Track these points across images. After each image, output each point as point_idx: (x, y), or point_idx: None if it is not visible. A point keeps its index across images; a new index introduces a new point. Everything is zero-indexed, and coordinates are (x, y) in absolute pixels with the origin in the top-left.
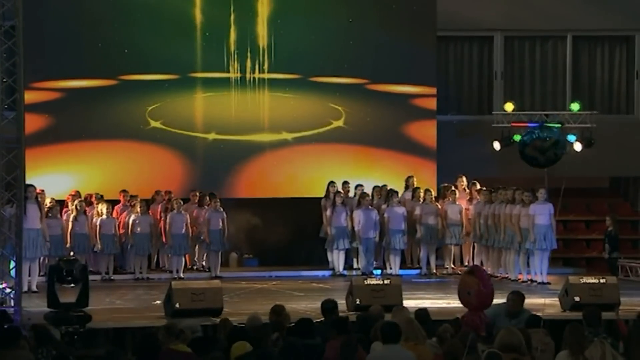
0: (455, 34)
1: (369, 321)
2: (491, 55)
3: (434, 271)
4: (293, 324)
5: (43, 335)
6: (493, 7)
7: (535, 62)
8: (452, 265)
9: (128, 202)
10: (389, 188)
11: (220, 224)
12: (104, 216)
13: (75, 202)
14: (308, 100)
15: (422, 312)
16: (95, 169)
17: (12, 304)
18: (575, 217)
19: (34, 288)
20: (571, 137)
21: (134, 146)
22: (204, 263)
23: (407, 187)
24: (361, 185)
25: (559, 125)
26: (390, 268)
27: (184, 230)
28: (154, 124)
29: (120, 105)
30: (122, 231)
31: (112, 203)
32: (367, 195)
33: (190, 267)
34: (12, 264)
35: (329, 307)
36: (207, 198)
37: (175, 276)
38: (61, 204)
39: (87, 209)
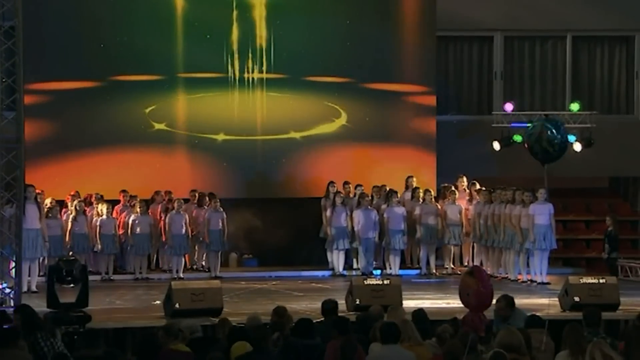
0: (455, 34)
1: (368, 321)
2: (491, 55)
3: (434, 271)
4: (293, 324)
5: (29, 318)
6: (493, 7)
7: (535, 62)
8: (452, 266)
9: (128, 202)
10: (388, 188)
11: (220, 224)
12: (104, 216)
13: (75, 202)
14: (308, 100)
15: (419, 313)
16: (93, 170)
17: (12, 304)
18: (575, 217)
19: (34, 288)
20: (571, 137)
21: (140, 149)
22: (203, 263)
23: (406, 187)
24: (361, 186)
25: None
26: (390, 268)
27: (183, 231)
28: (158, 126)
29: (121, 106)
30: (121, 231)
31: (112, 203)
32: (367, 195)
33: (190, 267)
34: (12, 264)
35: (329, 307)
36: (207, 198)
37: (175, 276)
38: (61, 204)
39: (87, 209)
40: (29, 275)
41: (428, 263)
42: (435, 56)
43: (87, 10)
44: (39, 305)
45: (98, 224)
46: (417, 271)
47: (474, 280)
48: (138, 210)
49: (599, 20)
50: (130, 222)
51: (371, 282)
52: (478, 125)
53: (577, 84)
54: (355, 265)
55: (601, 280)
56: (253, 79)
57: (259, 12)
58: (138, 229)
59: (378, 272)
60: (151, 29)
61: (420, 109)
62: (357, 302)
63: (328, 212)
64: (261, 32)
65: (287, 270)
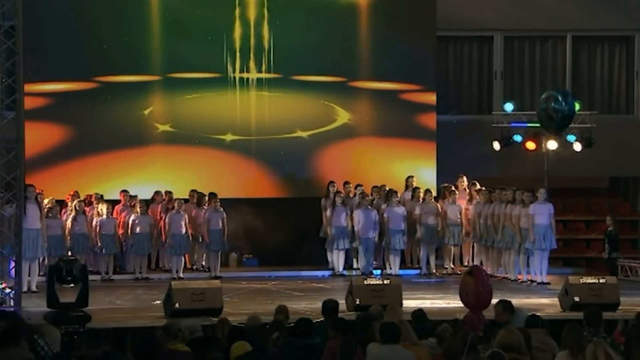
0: (455, 34)
1: (369, 321)
2: (491, 55)
3: (434, 271)
4: (292, 324)
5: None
6: (493, 7)
7: (535, 62)
8: (452, 265)
9: (128, 202)
10: (388, 188)
11: (220, 223)
12: (104, 216)
13: (74, 202)
14: (308, 100)
15: (419, 313)
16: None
17: (12, 303)
18: (575, 217)
19: (34, 288)
20: (571, 137)
21: (147, 151)
22: (203, 263)
23: (407, 187)
24: (361, 186)
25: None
26: (390, 268)
27: (183, 230)
28: (162, 127)
29: (121, 106)
30: (121, 231)
31: (112, 203)
32: (367, 195)
33: (190, 267)
34: (12, 264)
35: (330, 307)
36: (206, 198)
37: (175, 276)
38: (61, 204)
39: (87, 209)
40: (29, 275)
41: (428, 263)
42: (435, 56)
43: (87, 10)
44: (39, 305)
45: (98, 223)
46: (417, 271)
47: (473, 280)
48: (138, 210)
49: (599, 20)
50: (130, 222)
51: (371, 282)
52: (478, 125)
53: (577, 84)
54: (355, 265)
55: (601, 280)
56: (253, 79)
57: (260, 13)
58: (138, 229)
59: (378, 272)
60: (151, 29)
61: (421, 108)
62: (357, 302)
63: (328, 212)
64: (261, 32)
65: (287, 270)
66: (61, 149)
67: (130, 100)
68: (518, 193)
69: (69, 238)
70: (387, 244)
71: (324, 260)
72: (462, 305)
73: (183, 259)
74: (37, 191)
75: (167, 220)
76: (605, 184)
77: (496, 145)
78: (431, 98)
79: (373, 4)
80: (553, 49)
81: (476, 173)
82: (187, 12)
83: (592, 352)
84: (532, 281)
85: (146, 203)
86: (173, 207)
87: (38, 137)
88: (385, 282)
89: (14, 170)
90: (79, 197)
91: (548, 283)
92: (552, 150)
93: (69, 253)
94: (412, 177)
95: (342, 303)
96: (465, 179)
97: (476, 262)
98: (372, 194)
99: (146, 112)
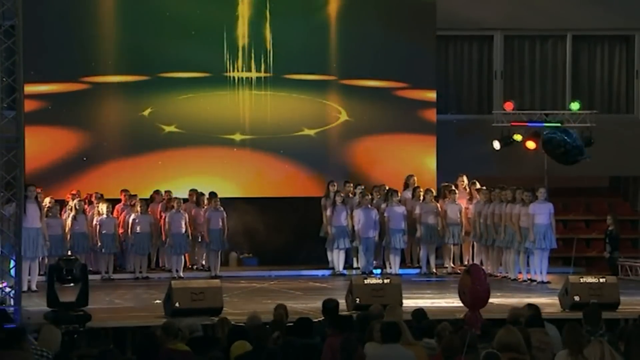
0: (455, 33)
1: (369, 320)
2: (491, 54)
3: (434, 270)
4: (292, 323)
5: None
6: (493, 7)
7: (535, 61)
8: (452, 265)
9: (128, 201)
10: (388, 187)
11: (220, 223)
12: (104, 215)
13: (75, 201)
14: (309, 100)
15: (419, 312)
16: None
17: (12, 303)
18: (575, 217)
19: (34, 287)
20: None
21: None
22: (203, 262)
23: (407, 187)
24: (361, 185)
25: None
26: (390, 267)
27: (183, 230)
28: (169, 128)
29: (120, 106)
30: (122, 230)
31: (112, 202)
32: (367, 194)
33: (190, 266)
34: (12, 263)
35: (330, 306)
36: (206, 197)
37: (175, 275)
38: (61, 203)
39: (87, 208)
40: (29, 275)
41: (428, 262)
42: (436, 56)
43: (87, 9)
44: (39, 305)
45: (98, 223)
46: (417, 270)
47: (470, 278)
48: (138, 209)
49: (599, 19)
50: (130, 221)
51: (371, 282)
52: (478, 125)
53: (577, 83)
54: (355, 265)
55: (601, 280)
56: (252, 78)
57: (261, 12)
58: (138, 228)
59: (378, 271)
60: (150, 29)
61: (421, 108)
62: (357, 302)
63: (328, 212)
64: (262, 32)
65: (287, 269)
66: (61, 149)
67: (131, 100)
68: (518, 192)
69: (69, 237)
70: (387, 244)
71: (324, 260)
72: (462, 304)
73: (183, 258)
74: (37, 190)
75: (167, 219)
76: (605, 183)
77: (496, 145)
78: (431, 97)
79: (373, 4)
80: (553, 48)
81: (476, 172)
82: (187, 12)
83: (591, 351)
84: (532, 280)
85: (146, 202)
86: (172, 207)
87: (38, 137)
88: (385, 281)
89: (14, 170)
90: (79, 197)
91: (548, 282)
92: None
93: (69, 252)
94: (412, 176)
95: (342, 302)
96: (465, 178)
97: (476, 262)
98: (372, 193)
99: (146, 112)
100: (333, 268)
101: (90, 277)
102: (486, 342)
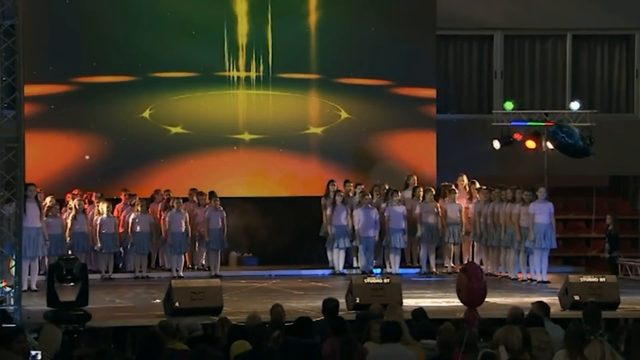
0: (455, 33)
1: (368, 320)
2: (491, 54)
3: (434, 270)
4: (292, 323)
5: None
6: (493, 6)
7: (535, 61)
8: (452, 264)
9: (128, 200)
10: (388, 187)
11: (220, 222)
12: (104, 215)
13: (75, 200)
14: (308, 99)
15: (419, 312)
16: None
17: (12, 302)
18: (575, 216)
19: (34, 287)
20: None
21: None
22: (203, 262)
23: (407, 186)
24: (361, 184)
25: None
26: (390, 267)
27: (183, 229)
28: (169, 128)
29: (119, 106)
30: (122, 230)
31: (113, 202)
32: (367, 194)
33: (190, 266)
34: (12, 263)
35: (330, 306)
36: (206, 197)
37: (175, 275)
38: (61, 203)
39: (87, 207)
40: (29, 274)
41: (428, 262)
42: (436, 55)
43: (86, 9)
44: (39, 304)
45: (98, 222)
46: (417, 270)
47: (466, 276)
48: (138, 208)
49: (599, 19)
50: (130, 220)
51: (371, 281)
52: (478, 124)
53: (577, 83)
54: (355, 264)
55: (601, 279)
56: (256, 77)
57: (261, 12)
58: (138, 228)
59: (378, 270)
60: (150, 28)
61: (421, 107)
62: (357, 301)
63: (328, 211)
64: (265, 32)
65: (287, 269)
66: (61, 149)
67: (131, 100)
68: (518, 192)
69: (69, 237)
70: (387, 243)
71: (324, 259)
72: (461, 304)
73: (183, 257)
74: (37, 190)
75: (167, 219)
76: (605, 182)
77: (496, 144)
78: (431, 97)
79: (373, 3)
80: (553, 47)
81: (476, 172)
82: (187, 11)
83: (592, 351)
84: (532, 280)
85: (146, 202)
86: (172, 206)
87: (38, 137)
88: (385, 281)
89: (13, 169)
90: (79, 196)
91: (548, 282)
92: (552, 149)
93: (69, 252)
94: (412, 175)
95: (342, 302)
96: (465, 177)
97: (476, 261)
98: (372, 193)
99: (146, 112)
100: (333, 268)
101: (90, 276)
102: (488, 342)
